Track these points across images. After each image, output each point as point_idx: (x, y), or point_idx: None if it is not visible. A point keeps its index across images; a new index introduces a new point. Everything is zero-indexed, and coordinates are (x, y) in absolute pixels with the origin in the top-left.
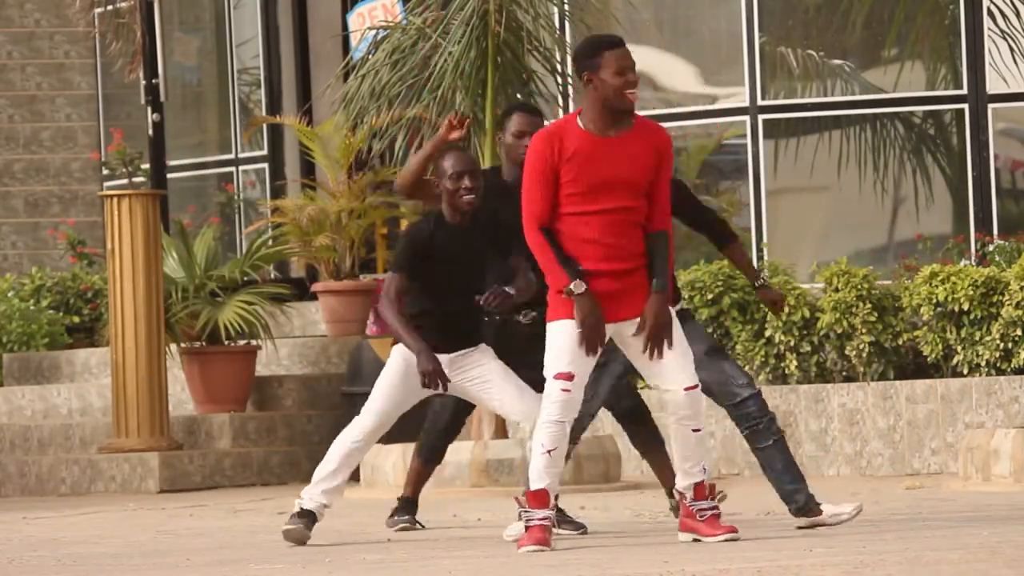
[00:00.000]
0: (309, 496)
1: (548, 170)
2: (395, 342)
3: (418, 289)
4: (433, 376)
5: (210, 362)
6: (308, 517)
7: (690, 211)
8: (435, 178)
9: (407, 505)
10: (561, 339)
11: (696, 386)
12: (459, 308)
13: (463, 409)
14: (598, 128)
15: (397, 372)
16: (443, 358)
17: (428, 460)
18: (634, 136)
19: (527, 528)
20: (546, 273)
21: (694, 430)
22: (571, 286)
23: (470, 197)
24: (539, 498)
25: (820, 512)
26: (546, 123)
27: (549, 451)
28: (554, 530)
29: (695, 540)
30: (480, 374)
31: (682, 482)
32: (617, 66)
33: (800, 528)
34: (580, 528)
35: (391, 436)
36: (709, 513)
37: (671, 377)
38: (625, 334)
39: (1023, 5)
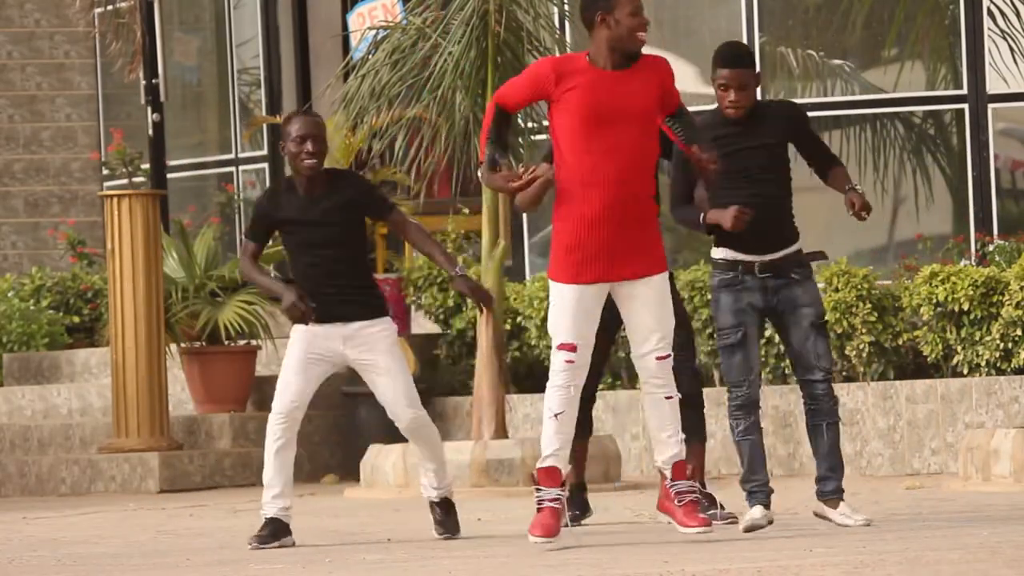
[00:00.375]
0: (266, 505)
1: (539, 82)
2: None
3: (288, 260)
4: (295, 307)
5: (210, 362)
6: (274, 524)
7: (805, 140)
8: (281, 142)
9: (578, 493)
10: (561, 305)
11: (669, 355)
12: (328, 277)
13: (595, 374)
14: (604, 65)
15: (295, 350)
16: (336, 329)
17: (578, 436)
18: (637, 70)
19: (538, 509)
20: (480, 143)
21: (667, 397)
22: (482, 165)
23: (311, 161)
24: (551, 476)
25: (836, 506)
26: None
27: (556, 415)
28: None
29: (670, 523)
30: (369, 360)
31: (660, 455)
32: (631, 7)
33: (814, 513)
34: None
35: (391, 436)
36: (688, 498)
37: (645, 344)
38: (622, 294)
39: (1023, 5)
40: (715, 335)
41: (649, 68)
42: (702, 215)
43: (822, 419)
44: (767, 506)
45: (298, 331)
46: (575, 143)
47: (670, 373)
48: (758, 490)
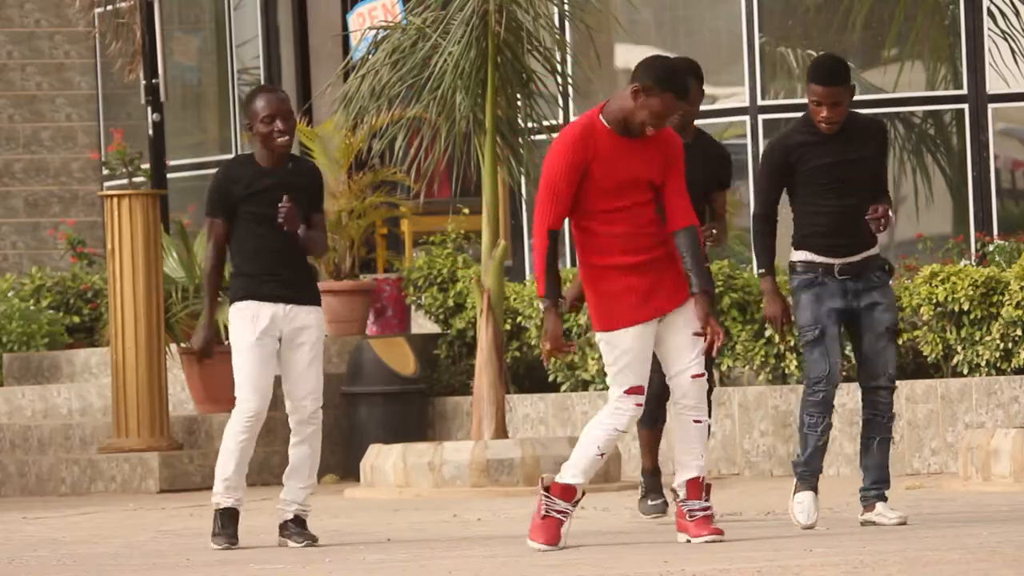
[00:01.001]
0: (220, 495)
1: (580, 168)
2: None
3: (236, 237)
4: (198, 355)
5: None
6: (229, 517)
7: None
8: (246, 122)
9: (652, 480)
10: (625, 347)
11: (702, 375)
12: (286, 256)
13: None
14: (620, 130)
15: (244, 333)
16: (276, 308)
17: (649, 424)
18: (648, 139)
19: (544, 516)
20: (536, 273)
21: (696, 420)
22: (542, 303)
23: (284, 139)
24: (567, 492)
25: (873, 508)
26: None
27: (601, 454)
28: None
29: (688, 541)
30: (297, 341)
31: (677, 478)
32: (665, 106)
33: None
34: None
35: (392, 436)
36: (700, 515)
37: (680, 364)
38: (665, 324)
39: (1023, 5)
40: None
41: (657, 141)
42: (763, 271)
43: (876, 433)
44: (815, 488)
45: (241, 317)
46: (599, 202)
47: (703, 395)
48: (811, 475)
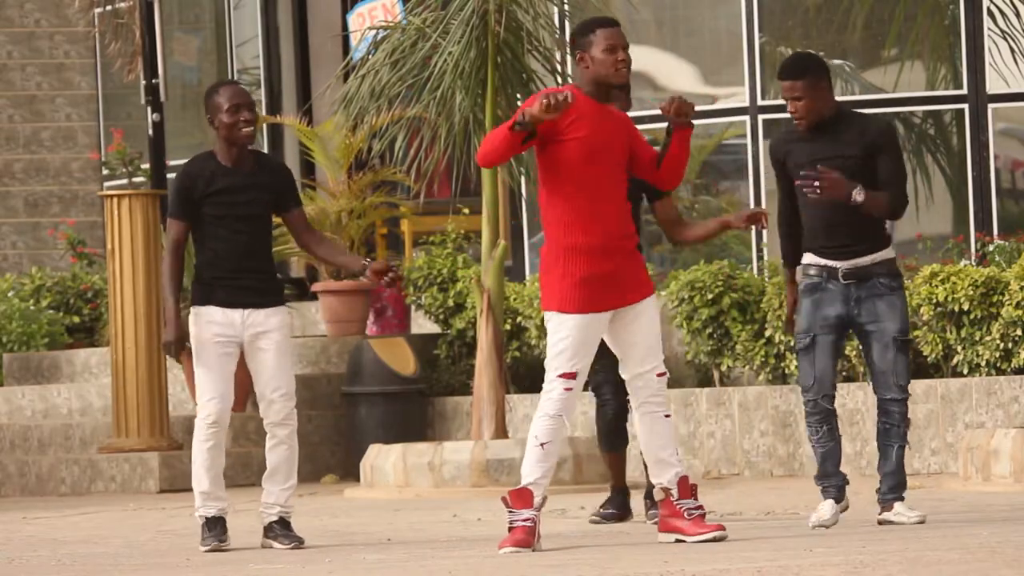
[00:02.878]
0: (200, 507)
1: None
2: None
3: (197, 239)
4: (169, 347)
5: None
6: (213, 524)
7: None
8: (208, 116)
9: (618, 497)
10: (562, 334)
11: (665, 373)
12: (246, 259)
13: (621, 388)
14: (598, 97)
15: (204, 339)
16: (235, 314)
17: (610, 447)
18: (612, 111)
19: (510, 529)
20: (497, 139)
21: (666, 415)
22: (518, 119)
23: (249, 129)
24: (523, 498)
25: (891, 508)
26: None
27: (542, 444)
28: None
29: (677, 540)
30: (260, 345)
31: (663, 475)
32: (607, 44)
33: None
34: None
35: (392, 436)
36: (696, 513)
37: (643, 362)
38: (624, 319)
39: (1023, 5)
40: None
41: (617, 115)
42: (789, 276)
43: (892, 441)
44: (838, 500)
45: (198, 323)
46: (570, 172)
47: (665, 391)
48: (830, 487)
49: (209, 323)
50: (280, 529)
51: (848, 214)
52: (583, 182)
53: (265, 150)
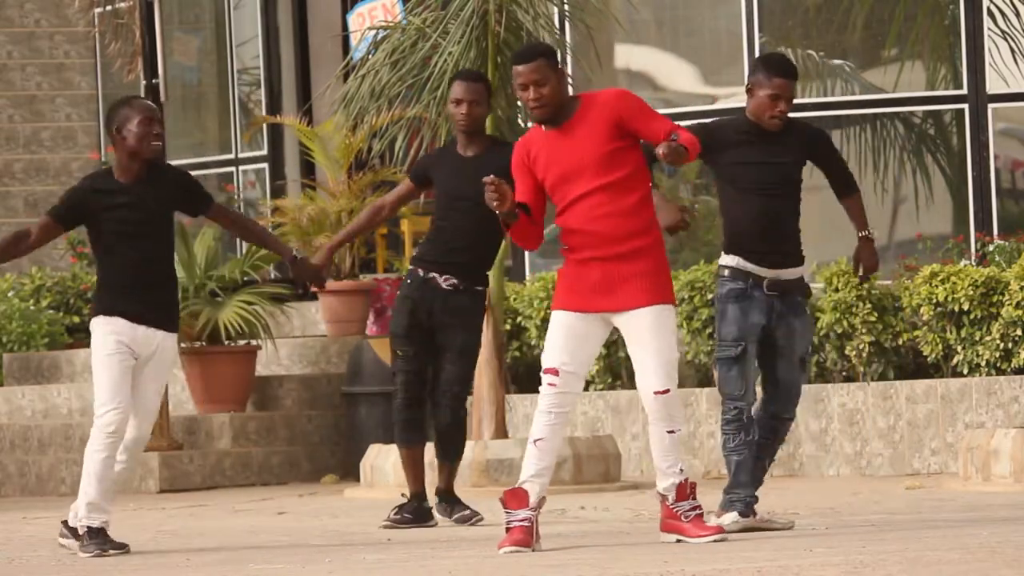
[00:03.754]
0: (84, 517)
1: (523, 168)
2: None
3: (98, 255)
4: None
5: (210, 362)
6: (95, 533)
7: (825, 162)
8: (114, 131)
9: (412, 502)
10: (552, 330)
11: (667, 390)
12: (147, 274)
13: (423, 372)
14: (549, 125)
15: (105, 346)
16: (136, 329)
17: (417, 443)
18: (581, 116)
19: (507, 529)
20: (513, 235)
21: (668, 431)
22: (501, 219)
23: (158, 143)
24: (518, 497)
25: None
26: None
27: (535, 441)
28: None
29: (679, 540)
30: (149, 367)
31: (661, 483)
32: (518, 82)
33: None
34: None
35: (391, 436)
36: (693, 514)
37: (643, 380)
38: (619, 324)
39: (1023, 5)
40: (716, 345)
41: (591, 111)
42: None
43: (765, 456)
44: (744, 514)
45: (102, 332)
46: (556, 202)
47: (671, 406)
48: (737, 500)
49: (115, 331)
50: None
51: (788, 228)
52: (564, 202)
53: (265, 151)
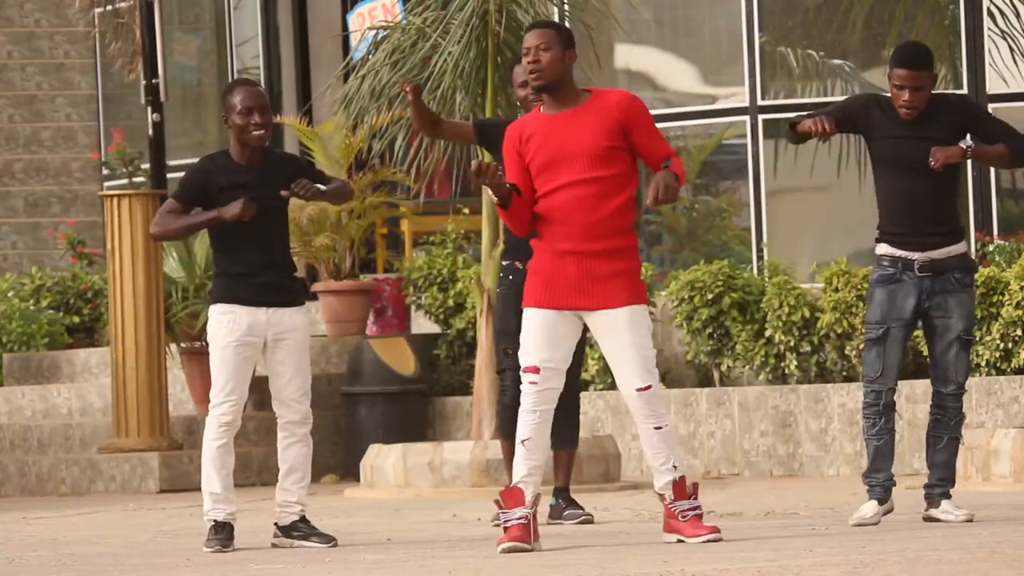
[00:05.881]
0: (210, 510)
1: (513, 152)
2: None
3: (216, 237)
4: (243, 208)
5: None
6: (219, 528)
7: (981, 126)
8: (224, 114)
9: (562, 493)
10: (528, 328)
11: (649, 387)
12: (262, 256)
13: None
14: (551, 108)
15: (222, 337)
16: (260, 313)
17: (508, 435)
18: (587, 107)
19: (505, 528)
20: (506, 219)
21: (656, 428)
22: (496, 201)
23: (259, 132)
24: (513, 497)
25: (938, 505)
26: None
27: (523, 441)
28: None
29: (679, 541)
30: (281, 345)
31: (658, 482)
32: (523, 51)
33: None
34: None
35: (392, 436)
36: (691, 514)
37: (624, 378)
38: (592, 323)
39: (1023, 5)
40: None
41: (600, 104)
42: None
43: (943, 432)
44: (882, 501)
45: (220, 321)
46: (539, 186)
47: (654, 403)
48: (876, 485)
49: (232, 323)
50: (306, 528)
51: (929, 201)
52: (548, 187)
53: None
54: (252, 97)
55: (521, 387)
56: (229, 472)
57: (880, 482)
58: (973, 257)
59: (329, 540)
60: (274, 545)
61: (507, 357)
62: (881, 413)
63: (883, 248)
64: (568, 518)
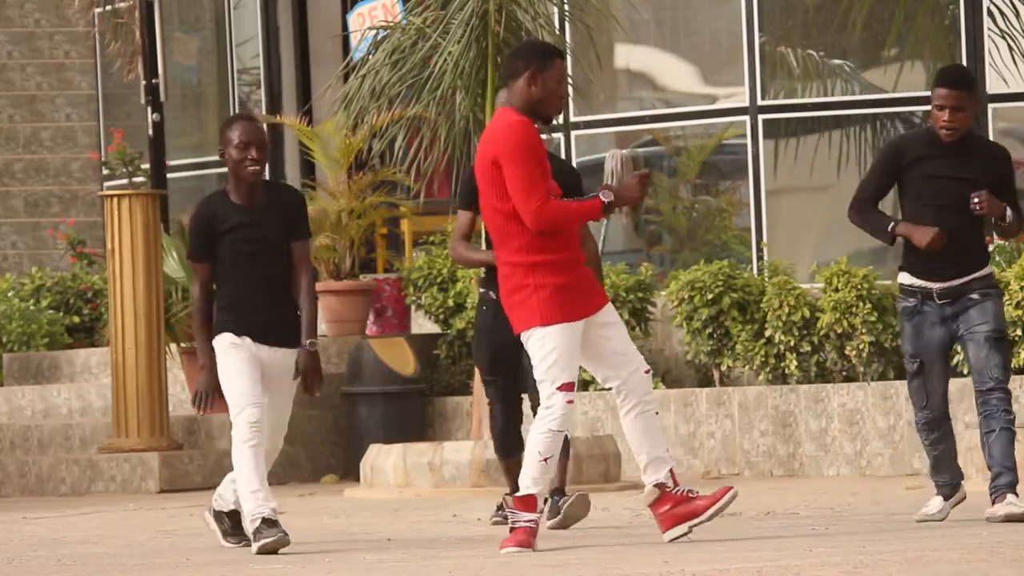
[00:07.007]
0: (255, 508)
1: (539, 150)
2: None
3: (220, 273)
4: (200, 396)
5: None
6: (271, 524)
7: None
8: (220, 147)
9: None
10: (550, 346)
11: (649, 370)
12: (264, 294)
13: (512, 395)
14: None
15: (230, 352)
16: (263, 350)
17: (507, 454)
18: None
19: (512, 529)
20: (581, 217)
21: (656, 412)
22: (601, 196)
23: (254, 168)
24: (527, 503)
25: (1003, 499)
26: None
27: (546, 459)
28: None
29: (690, 529)
30: (273, 388)
31: (659, 472)
32: (561, 75)
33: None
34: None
35: (392, 436)
36: (696, 491)
37: (626, 363)
38: (590, 327)
39: (1023, 5)
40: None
41: None
42: (892, 224)
43: (994, 425)
44: (948, 496)
45: (224, 339)
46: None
47: (650, 385)
48: (944, 484)
49: (235, 342)
50: (230, 523)
51: (957, 237)
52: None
53: None
54: (249, 132)
55: (547, 404)
56: (264, 472)
57: (947, 482)
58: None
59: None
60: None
61: (492, 387)
62: (932, 430)
63: (904, 277)
64: (563, 504)
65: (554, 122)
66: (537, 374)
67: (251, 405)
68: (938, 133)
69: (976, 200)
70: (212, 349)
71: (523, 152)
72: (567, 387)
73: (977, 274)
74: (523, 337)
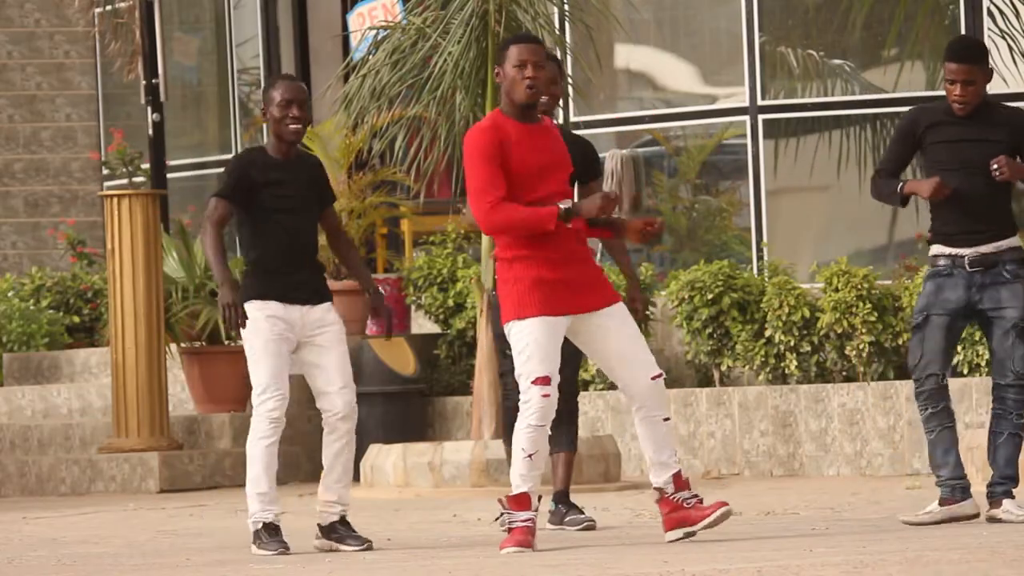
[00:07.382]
0: (258, 512)
1: (498, 154)
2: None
3: (250, 233)
4: (230, 310)
5: (210, 362)
6: (272, 530)
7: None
8: (263, 107)
9: (562, 497)
10: (528, 339)
11: (660, 375)
12: (299, 254)
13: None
14: (517, 118)
15: (261, 333)
16: (291, 310)
17: (565, 445)
18: (545, 128)
19: (510, 530)
20: (532, 226)
21: (665, 419)
22: (561, 207)
23: (296, 126)
24: (521, 501)
25: (1000, 504)
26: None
27: (530, 455)
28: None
29: (686, 534)
30: (319, 341)
31: (660, 477)
32: (518, 59)
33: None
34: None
35: (392, 436)
36: (693, 500)
37: (636, 369)
38: (586, 325)
39: (1023, 5)
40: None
41: (555, 133)
42: (900, 185)
43: (1004, 427)
44: (944, 502)
45: (257, 318)
46: (514, 196)
47: (664, 394)
48: (941, 484)
49: (269, 316)
50: (344, 530)
51: (983, 200)
52: (533, 196)
53: None
54: (291, 91)
55: (524, 399)
56: (275, 471)
57: (944, 481)
58: None
59: (363, 543)
60: (317, 548)
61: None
62: (928, 400)
63: (936, 248)
64: (570, 524)
65: (554, 117)
66: (516, 367)
67: (274, 396)
68: (952, 107)
69: (996, 165)
70: (228, 270)
71: (474, 157)
72: (542, 381)
73: (1007, 242)
74: (505, 330)
